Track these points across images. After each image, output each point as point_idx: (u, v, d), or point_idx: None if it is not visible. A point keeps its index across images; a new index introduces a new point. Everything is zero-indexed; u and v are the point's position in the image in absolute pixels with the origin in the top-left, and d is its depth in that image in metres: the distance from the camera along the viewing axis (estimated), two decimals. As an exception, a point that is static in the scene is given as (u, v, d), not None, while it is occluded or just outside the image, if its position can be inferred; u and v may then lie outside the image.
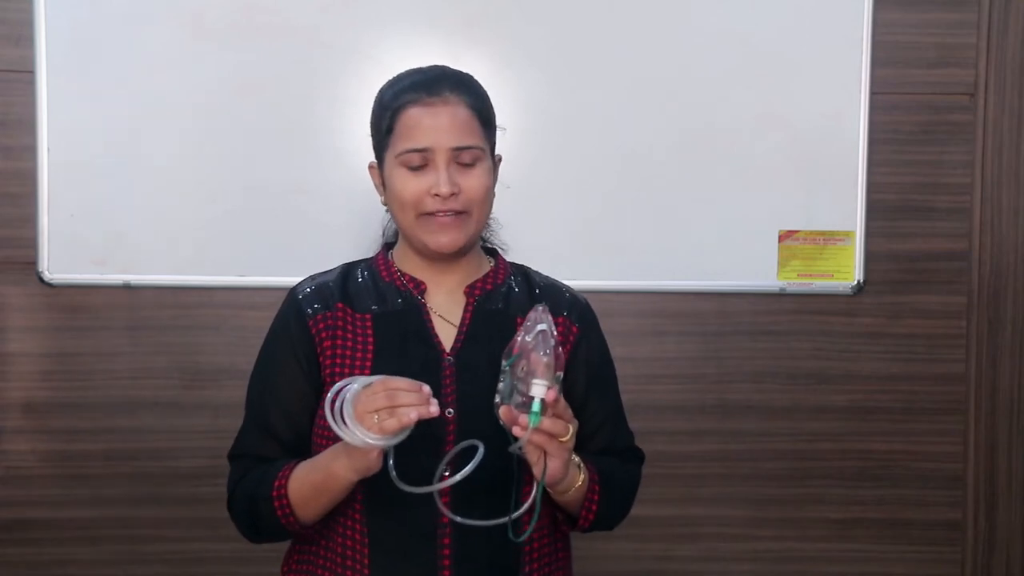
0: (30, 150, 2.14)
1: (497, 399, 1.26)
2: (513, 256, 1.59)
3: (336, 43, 2.15)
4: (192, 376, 2.21)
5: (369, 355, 1.40)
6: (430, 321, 1.44)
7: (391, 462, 1.27)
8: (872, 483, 2.30)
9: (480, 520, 1.29)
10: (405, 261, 1.47)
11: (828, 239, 2.23)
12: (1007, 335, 2.30)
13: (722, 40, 2.19)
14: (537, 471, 1.27)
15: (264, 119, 2.15)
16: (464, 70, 1.47)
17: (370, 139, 1.46)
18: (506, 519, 1.30)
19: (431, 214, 1.38)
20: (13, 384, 2.20)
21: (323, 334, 1.42)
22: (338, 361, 1.41)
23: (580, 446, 1.41)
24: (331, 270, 1.50)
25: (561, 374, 1.27)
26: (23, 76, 2.13)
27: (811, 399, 2.29)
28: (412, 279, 1.46)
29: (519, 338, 1.26)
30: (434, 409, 1.22)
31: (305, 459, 1.39)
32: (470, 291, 1.46)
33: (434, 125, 1.37)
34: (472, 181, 1.38)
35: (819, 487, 2.30)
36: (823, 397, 2.29)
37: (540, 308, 1.28)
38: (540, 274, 1.54)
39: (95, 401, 2.20)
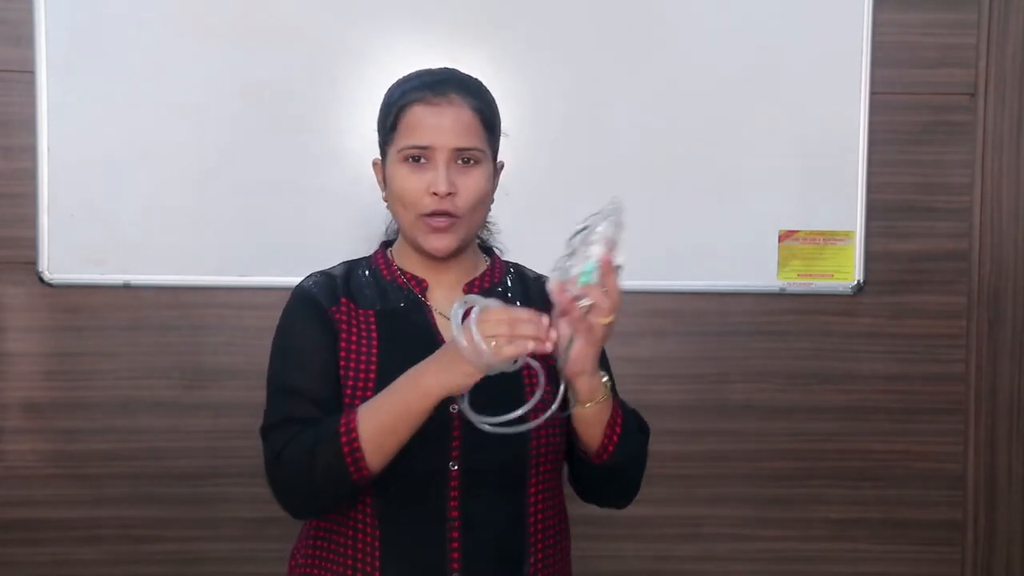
0: (30, 150, 2.14)
1: (551, 276, 1.24)
2: (514, 257, 1.59)
3: (336, 43, 2.15)
4: (192, 376, 2.21)
5: (374, 351, 1.41)
6: (433, 319, 1.45)
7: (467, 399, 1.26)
8: (872, 483, 2.30)
9: (496, 417, 1.25)
10: (405, 259, 1.49)
11: (828, 239, 2.23)
12: (1007, 335, 2.30)
13: (722, 41, 2.19)
14: (562, 355, 1.25)
15: (264, 119, 2.15)
16: (465, 69, 1.48)
17: (376, 136, 1.48)
18: (521, 411, 1.25)
19: (427, 215, 1.39)
20: (13, 384, 2.20)
21: (339, 325, 1.43)
22: (342, 355, 1.41)
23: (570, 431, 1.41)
24: (333, 267, 1.51)
25: (621, 266, 1.24)
26: (23, 76, 2.13)
27: (811, 399, 2.29)
28: (413, 277, 1.47)
29: (590, 215, 1.23)
30: (549, 345, 1.21)
31: None
32: (468, 288, 1.48)
33: (437, 124, 1.38)
34: (470, 183, 1.40)
35: (819, 487, 2.30)
36: (823, 397, 2.29)
37: (616, 200, 1.25)
38: (534, 271, 1.57)
39: (95, 401, 2.20)
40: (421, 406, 1.28)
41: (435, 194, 1.38)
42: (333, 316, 1.43)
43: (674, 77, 2.19)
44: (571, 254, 1.24)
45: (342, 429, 1.30)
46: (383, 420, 1.29)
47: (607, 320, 1.25)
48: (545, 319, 1.22)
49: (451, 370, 1.25)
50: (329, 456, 1.30)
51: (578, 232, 1.24)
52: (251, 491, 2.15)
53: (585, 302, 1.23)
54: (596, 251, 1.22)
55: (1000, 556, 2.33)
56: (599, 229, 1.22)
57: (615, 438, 1.37)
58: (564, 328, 1.26)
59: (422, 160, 1.40)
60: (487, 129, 1.42)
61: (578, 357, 1.28)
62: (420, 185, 1.39)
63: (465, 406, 1.26)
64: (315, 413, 1.36)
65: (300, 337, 1.43)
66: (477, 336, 1.20)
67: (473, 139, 1.40)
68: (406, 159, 1.40)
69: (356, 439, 1.29)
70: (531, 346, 1.20)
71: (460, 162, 1.40)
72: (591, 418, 1.35)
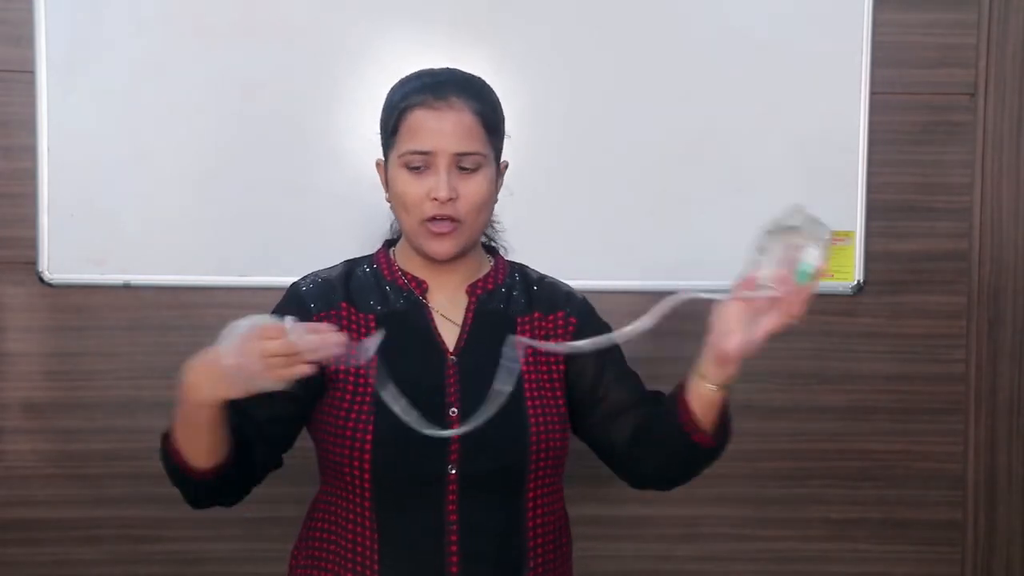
0: (30, 150, 2.13)
1: (750, 264, 1.29)
2: (513, 257, 1.59)
3: (336, 43, 2.15)
4: (192, 376, 2.20)
5: (374, 356, 1.41)
6: (433, 321, 1.45)
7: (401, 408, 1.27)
8: (872, 483, 2.30)
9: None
10: (407, 260, 1.48)
11: (828, 239, 2.23)
12: (1007, 335, 2.30)
13: (722, 40, 2.19)
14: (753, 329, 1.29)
15: (264, 119, 2.15)
16: (465, 69, 1.48)
17: (379, 136, 1.48)
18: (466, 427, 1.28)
19: (429, 220, 1.39)
20: (13, 384, 2.20)
21: None
22: (343, 360, 1.41)
23: (623, 410, 1.45)
24: (332, 267, 1.51)
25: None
26: (23, 76, 2.13)
27: (811, 399, 2.28)
28: (414, 278, 1.47)
29: (787, 213, 1.27)
30: (328, 351, 1.20)
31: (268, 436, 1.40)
32: (471, 290, 1.48)
33: (437, 129, 1.37)
34: (472, 187, 1.39)
35: (819, 487, 2.30)
36: (823, 397, 2.29)
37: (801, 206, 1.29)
38: (537, 272, 1.56)
39: (95, 401, 2.20)
40: (204, 416, 1.28)
41: (436, 199, 1.38)
42: (321, 323, 1.43)
43: (674, 77, 2.19)
44: (763, 249, 1.28)
45: (166, 434, 1.34)
46: (184, 427, 1.31)
47: (793, 320, 1.28)
48: (331, 334, 1.20)
49: (223, 385, 1.23)
50: (165, 459, 1.36)
51: (780, 228, 1.28)
52: (251, 491, 2.15)
53: (768, 293, 1.27)
54: (814, 254, 1.25)
55: (1000, 556, 2.33)
56: (819, 234, 1.26)
57: (729, 424, 1.42)
58: (737, 313, 1.30)
59: (422, 166, 1.39)
60: (489, 131, 1.41)
61: (746, 344, 1.30)
62: (421, 190, 1.39)
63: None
64: (243, 422, 1.38)
65: None
66: (246, 356, 1.18)
67: (475, 143, 1.39)
68: (407, 164, 1.40)
69: (175, 443, 1.32)
70: (305, 370, 1.19)
71: (461, 168, 1.39)
72: (717, 402, 1.38)
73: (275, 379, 1.19)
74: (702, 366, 1.37)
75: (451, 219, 1.39)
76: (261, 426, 1.42)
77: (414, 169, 1.39)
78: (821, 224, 1.27)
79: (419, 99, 1.39)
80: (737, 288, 1.30)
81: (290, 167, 2.15)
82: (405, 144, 1.40)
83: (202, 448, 1.32)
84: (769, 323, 1.28)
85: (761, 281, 1.28)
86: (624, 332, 1.31)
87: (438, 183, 1.38)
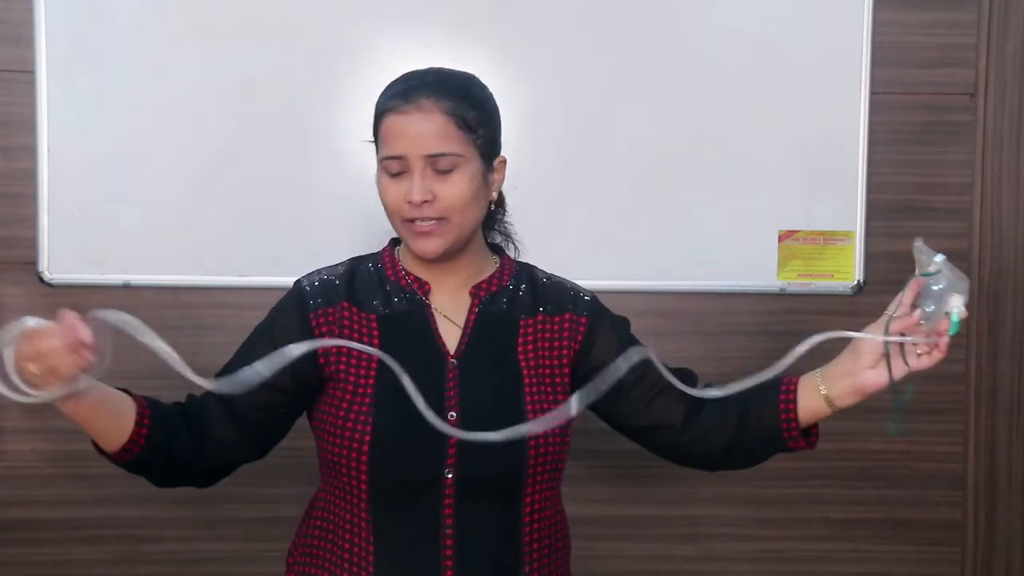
0: (30, 150, 2.13)
1: (892, 312, 1.37)
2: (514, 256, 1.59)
3: (336, 43, 2.15)
4: (192, 376, 2.20)
5: (375, 356, 1.41)
6: (434, 322, 1.45)
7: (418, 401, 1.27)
8: (872, 483, 2.30)
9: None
10: (409, 259, 1.49)
11: (828, 239, 2.23)
12: (1007, 335, 2.30)
13: (722, 40, 2.19)
14: (900, 369, 1.38)
15: (264, 119, 2.15)
16: (465, 69, 1.48)
17: None
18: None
19: (412, 220, 1.40)
20: (13, 384, 2.19)
21: (323, 329, 1.43)
22: (343, 360, 1.41)
23: (663, 389, 1.46)
24: (337, 265, 1.51)
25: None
26: (23, 76, 2.13)
27: (811, 399, 2.28)
28: (417, 279, 1.47)
29: (935, 257, 1.34)
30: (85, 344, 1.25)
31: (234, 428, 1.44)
32: (475, 292, 1.47)
33: (406, 133, 1.38)
34: (448, 188, 1.39)
35: (819, 487, 2.30)
36: (823, 397, 2.28)
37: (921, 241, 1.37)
38: (545, 273, 1.56)
39: (95, 401, 2.19)
40: (69, 411, 1.34)
41: (411, 203, 1.38)
42: (318, 320, 1.43)
43: (674, 77, 2.19)
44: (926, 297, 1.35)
45: None
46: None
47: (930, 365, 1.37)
48: (85, 333, 1.27)
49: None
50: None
51: (930, 274, 1.34)
52: (251, 491, 2.16)
53: (925, 340, 1.36)
54: (959, 302, 1.32)
55: (1000, 556, 2.33)
56: (961, 283, 1.32)
57: (815, 438, 1.48)
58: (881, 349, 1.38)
59: (399, 170, 1.39)
60: (465, 129, 1.39)
61: (883, 377, 1.39)
62: (399, 194, 1.39)
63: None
64: (218, 410, 1.45)
65: (257, 338, 1.48)
66: (10, 371, 1.21)
67: (447, 144, 1.38)
68: (386, 169, 1.41)
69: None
70: (82, 385, 1.26)
71: (436, 169, 1.38)
72: (824, 416, 1.45)
73: (45, 391, 1.24)
74: (834, 389, 1.43)
75: (434, 219, 1.39)
76: (243, 413, 1.42)
77: (392, 174, 1.40)
78: (959, 271, 1.33)
79: (391, 104, 1.40)
80: (894, 324, 1.38)
81: (290, 167, 2.15)
82: (382, 150, 1.41)
83: (96, 434, 1.37)
84: (918, 365, 1.37)
85: (912, 320, 1.36)
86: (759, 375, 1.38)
87: (411, 187, 1.38)
